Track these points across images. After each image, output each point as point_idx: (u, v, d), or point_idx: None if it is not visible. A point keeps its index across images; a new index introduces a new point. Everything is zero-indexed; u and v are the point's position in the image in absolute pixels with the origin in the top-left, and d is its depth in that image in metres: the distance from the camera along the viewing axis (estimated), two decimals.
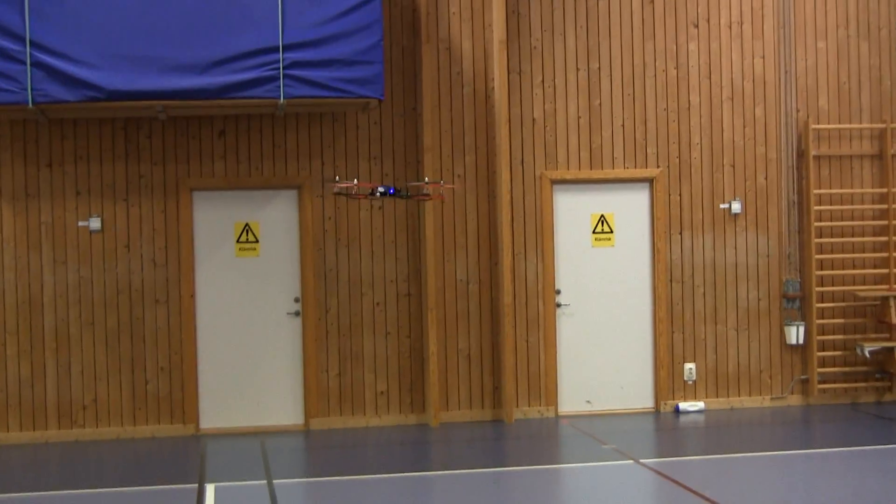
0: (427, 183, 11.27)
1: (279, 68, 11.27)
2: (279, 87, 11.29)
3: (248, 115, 12.21)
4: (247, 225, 12.36)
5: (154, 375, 12.15)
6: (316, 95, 11.41)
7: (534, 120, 12.62)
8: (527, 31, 12.61)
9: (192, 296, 12.20)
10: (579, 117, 12.67)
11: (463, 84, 12.53)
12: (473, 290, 12.52)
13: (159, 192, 12.17)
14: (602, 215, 12.80)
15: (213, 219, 12.28)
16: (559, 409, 12.72)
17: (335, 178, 11.24)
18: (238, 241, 12.33)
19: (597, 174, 12.68)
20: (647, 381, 12.89)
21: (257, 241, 12.33)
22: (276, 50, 11.30)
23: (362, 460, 11.16)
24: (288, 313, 12.39)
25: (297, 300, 12.38)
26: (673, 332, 12.84)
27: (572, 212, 12.75)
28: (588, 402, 12.81)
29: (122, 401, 12.12)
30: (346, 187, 10.74)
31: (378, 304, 12.44)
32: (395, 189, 10.90)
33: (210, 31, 11.19)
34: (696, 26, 12.86)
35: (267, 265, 12.34)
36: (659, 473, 10.01)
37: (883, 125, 13.06)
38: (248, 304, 12.32)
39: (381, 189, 10.67)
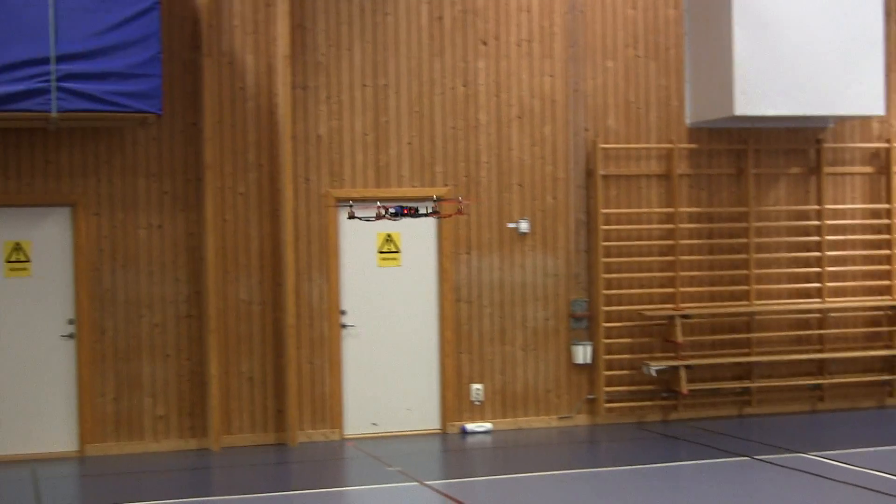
0: (438, 201, 12.71)
1: (51, 80, 12.90)
2: (51, 99, 12.93)
3: (17, 129, 13.75)
4: (17, 244, 13.91)
5: None
6: (90, 109, 13.12)
7: (319, 137, 14.57)
8: (313, 45, 14.54)
9: None
10: (366, 134, 14.68)
11: (246, 99, 14.40)
12: (256, 311, 14.40)
13: None
14: (388, 234, 14.86)
15: None
16: (344, 432, 14.73)
17: (350, 203, 12.48)
18: (8, 262, 13.89)
19: (384, 192, 14.74)
20: (434, 402, 15.02)
21: (28, 261, 13.93)
22: (47, 61, 12.95)
23: (140, 487, 12.77)
24: (62, 336, 14.05)
25: (70, 322, 14.05)
26: (460, 353, 14.99)
27: (358, 231, 14.79)
28: (374, 423, 14.85)
29: None
30: (374, 212, 12.04)
31: (157, 325, 14.20)
32: (408, 209, 12.32)
33: None
34: (486, 44, 15.02)
35: (39, 286, 13.99)
36: (443, 495, 11.93)
37: (670, 145, 15.48)
38: (18, 327, 13.95)
39: (392, 210, 12.07)
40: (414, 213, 12.22)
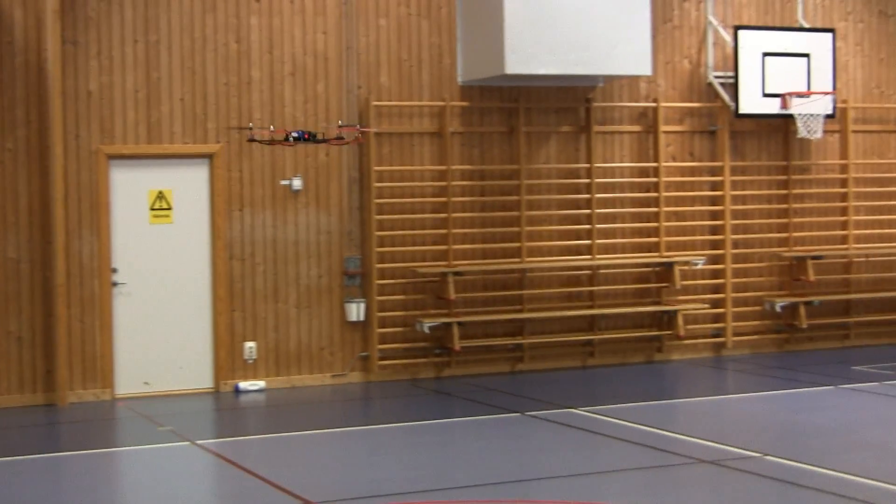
0: (342, 126, 13.79)
1: None
2: None
3: None
4: None
5: None
6: None
7: (90, 93, 15.66)
8: (83, 0, 15.52)
9: None
10: (137, 91, 15.82)
11: (14, 54, 15.45)
12: (25, 270, 15.45)
13: None
14: (160, 192, 16.00)
15: None
16: (116, 392, 15.92)
17: (249, 125, 13.43)
18: None
19: (155, 149, 15.92)
20: (207, 360, 16.30)
21: None
22: None
23: None
24: None
25: None
26: (233, 311, 16.28)
27: (130, 188, 15.99)
28: (146, 383, 16.06)
29: None
30: (262, 134, 13.13)
31: None
32: (308, 134, 13.40)
33: None
34: (258, 1, 16.22)
35: None
36: (215, 454, 12.95)
37: (443, 103, 16.99)
38: None
39: (294, 134, 13.13)
40: (311, 139, 13.66)
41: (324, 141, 14.14)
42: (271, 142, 14.33)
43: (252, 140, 13.83)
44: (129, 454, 13.45)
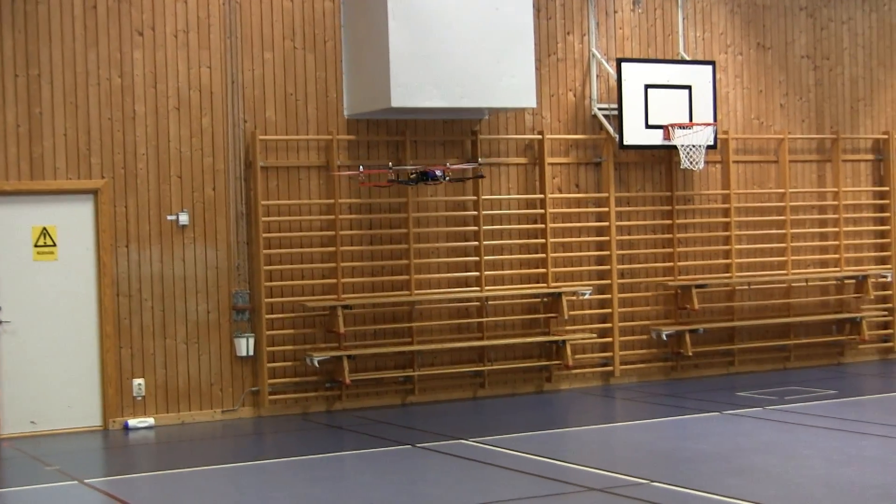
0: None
1: None
2: None
3: None
4: None
5: None
6: None
7: None
8: None
9: None
10: (18, 126, 15.61)
11: None
12: None
13: None
14: (44, 228, 15.75)
15: None
16: (2, 432, 15.62)
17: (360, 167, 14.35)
18: None
19: (38, 185, 15.68)
20: (95, 398, 16.07)
21: None
22: None
23: None
24: None
25: None
26: (121, 348, 16.06)
27: (12, 225, 15.74)
28: (33, 422, 15.80)
29: None
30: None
31: None
32: (433, 173, 13.64)
33: None
34: (142, 34, 16.12)
35: None
36: (104, 493, 12.73)
37: (329, 137, 16.92)
38: None
39: (413, 175, 13.12)
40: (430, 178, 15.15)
41: (442, 179, 14.36)
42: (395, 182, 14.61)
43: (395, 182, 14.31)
44: (14, 495, 13.04)
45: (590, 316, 18.75)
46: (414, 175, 16.36)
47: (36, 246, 15.87)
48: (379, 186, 16.76)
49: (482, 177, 17.38)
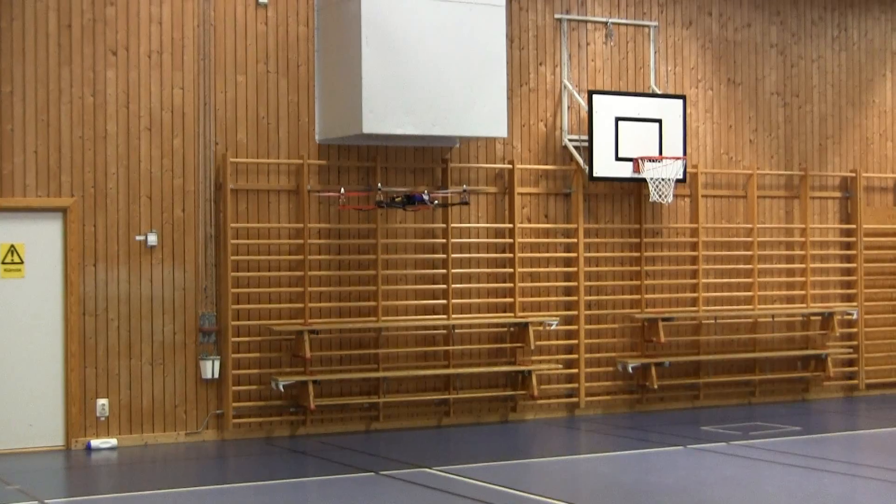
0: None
1: None
2: None
3: None
4: None
5: None
6: None
7: None
8: None
9: None
10: None
11: None
12: None
13: None
14: (12, 245, 15.70)
15: None
16: None
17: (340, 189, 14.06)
18: None
19: (7, 202, 15.65)
20: (58, 417, 15.99)
21: None
22: None
23: None
24: None
25: None
26: (86, 367, 16.01)
27: None
28: None
29: None
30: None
31: None
32: (420, 196, 13.89)
33: None
34: (115, 54, 16.11)
35: None
36: None
37: (300, 161, 16.93)
38: None
39: (399, 198, 13.22)
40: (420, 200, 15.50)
41: (429, 203, 14.47)
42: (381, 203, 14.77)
43: (381, 204, 14.36)
44: None
45: (556, 346, 18.77)
46: (400, 198, 16.40)
47: (3, 263, 15.81)
48: (360, 210, 16.74)
49: (467, 203, 17.40)
